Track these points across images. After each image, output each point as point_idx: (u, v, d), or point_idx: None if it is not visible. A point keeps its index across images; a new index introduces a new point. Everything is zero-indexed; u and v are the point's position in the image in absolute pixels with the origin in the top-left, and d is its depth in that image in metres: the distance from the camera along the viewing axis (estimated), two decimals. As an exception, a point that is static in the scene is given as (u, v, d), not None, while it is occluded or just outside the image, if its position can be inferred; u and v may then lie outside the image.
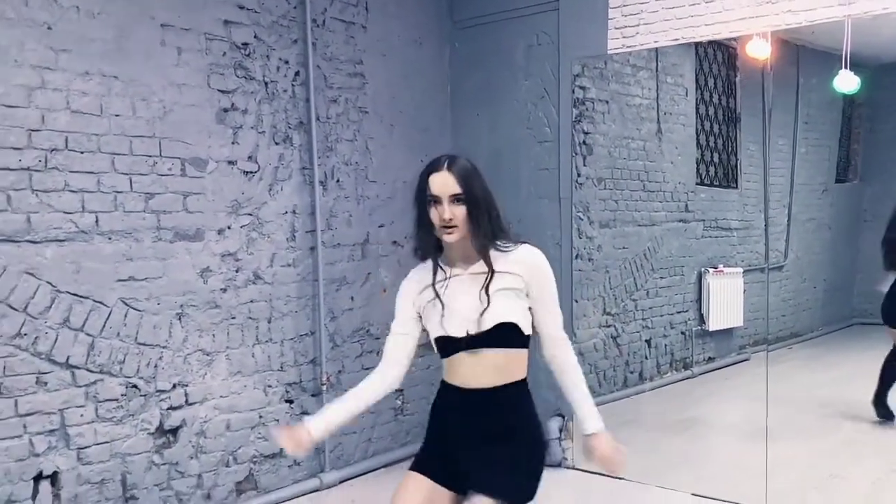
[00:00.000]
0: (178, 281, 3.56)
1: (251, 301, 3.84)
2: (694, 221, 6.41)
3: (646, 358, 6.10)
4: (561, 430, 4.37)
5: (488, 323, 2.01)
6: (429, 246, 2.08)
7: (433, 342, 2.12)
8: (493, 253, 2.04)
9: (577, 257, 4.67)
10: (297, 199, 4.02)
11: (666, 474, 4.18)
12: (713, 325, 6.41)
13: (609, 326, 5.79)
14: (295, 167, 4.00)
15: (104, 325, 3.32)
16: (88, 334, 3.28)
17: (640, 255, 5.98)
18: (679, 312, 6.32)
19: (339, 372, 4.21)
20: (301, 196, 4.04)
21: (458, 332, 2.03)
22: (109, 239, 3.33)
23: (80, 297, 3.25)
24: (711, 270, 6.35)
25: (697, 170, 6.46)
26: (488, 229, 2.02)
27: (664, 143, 6.17)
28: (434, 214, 2.01)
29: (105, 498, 3.35)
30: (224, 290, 3.73)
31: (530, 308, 2.08)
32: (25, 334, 3.10)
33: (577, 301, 4.64)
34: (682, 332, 6.37)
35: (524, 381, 2.10)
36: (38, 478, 3.16)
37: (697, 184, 6.45)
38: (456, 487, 2.10)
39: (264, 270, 3.89)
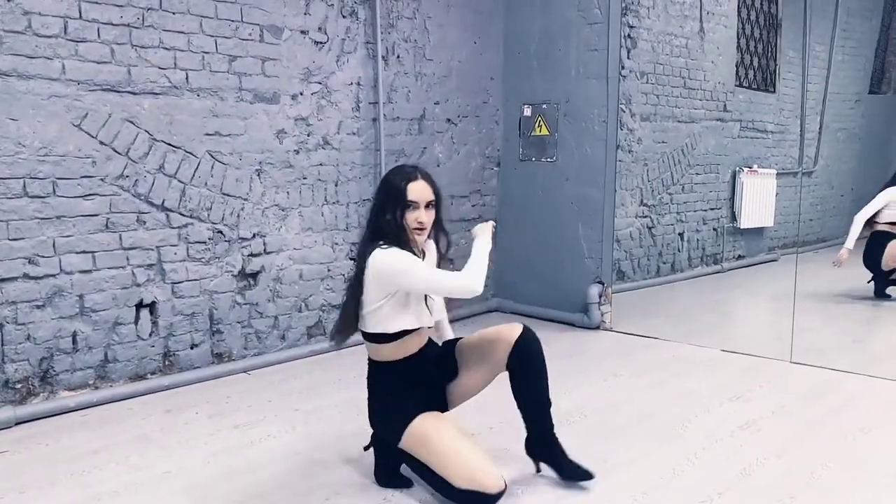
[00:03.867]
0: (257, 139, 3.87)
1: (320, 164, 4.16)
2: (731, 121, 6.59)
3: (678, 250, 6.38)
4: (600, 296, 4.67)
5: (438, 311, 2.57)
6: (401, 242, 2.33)
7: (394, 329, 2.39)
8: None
9: (617, 148, 4.87)
10: (361, 72, 4.29)
11: (697, 335, 4.52)
12: (745, 223, 6.64)
13: (645, 217, 6.07)
14: (360, 41, 4.26)
15: (194, 174, 3.66)
16: (180, 181, 3.62)
17: (677, 150, 6.21)
18: (712, 209, 6.57)
19: (397, 237, 4.53)
20: (365, 69, 4.30)
21: (429, 322, 2.48)
22: (198, 95, 3.64)
23: (173, 146, 3.58)
24: (746, 170, 6.55)
25: (737, 72, 6.62)
26: (443, 226, 2.49)
27: (706, 43, 6.32)
28: (411, 217, 2.33)
29: (195, 329, 3.75)
30: (297, 152, 4.05)
31: None
32: (127, 176, 3.45)
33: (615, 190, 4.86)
34: (714, 229, 6.63)
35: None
36: (140, 306, 3.56)
37: (736, 85, 6.61)
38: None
39: (332, 136, 4.19)
